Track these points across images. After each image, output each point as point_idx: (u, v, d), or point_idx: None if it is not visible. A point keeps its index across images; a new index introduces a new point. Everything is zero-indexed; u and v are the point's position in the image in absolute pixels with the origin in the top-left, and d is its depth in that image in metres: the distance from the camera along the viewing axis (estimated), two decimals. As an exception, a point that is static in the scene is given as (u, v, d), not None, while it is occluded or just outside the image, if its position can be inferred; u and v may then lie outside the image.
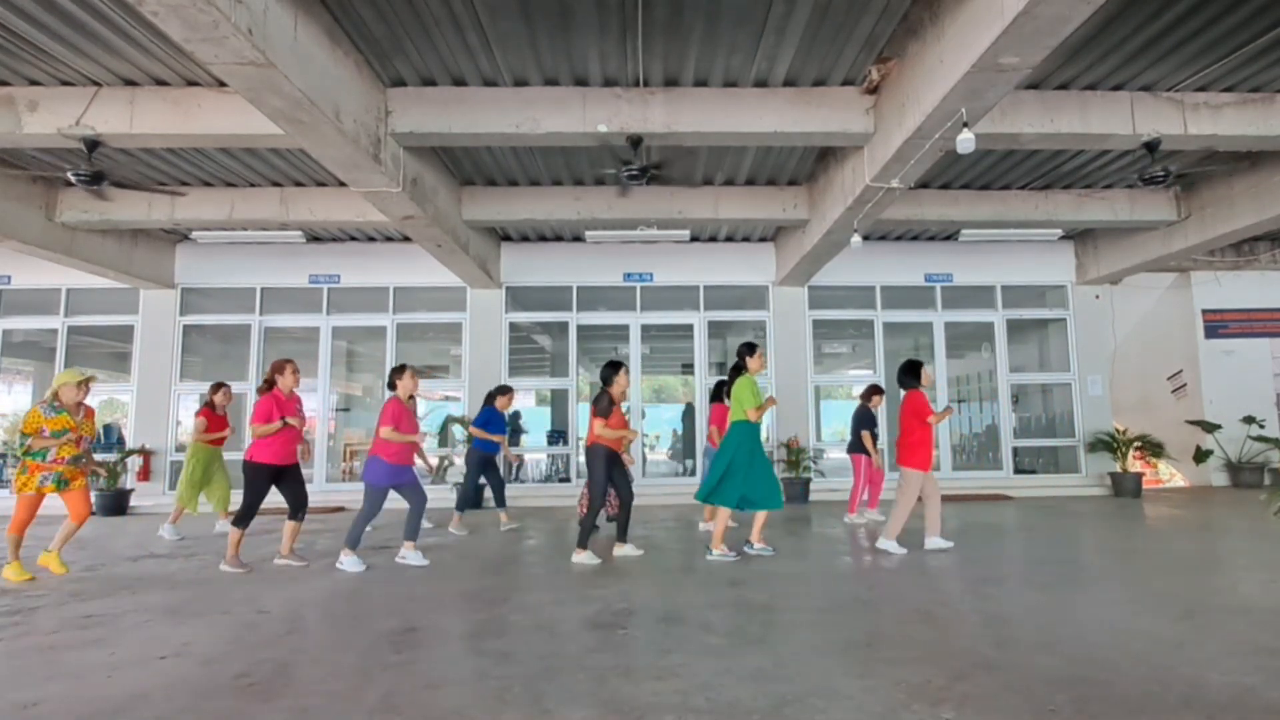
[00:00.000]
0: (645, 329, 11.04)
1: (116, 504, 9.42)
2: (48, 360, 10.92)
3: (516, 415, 11.47)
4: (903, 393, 6.14)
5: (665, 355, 14.19)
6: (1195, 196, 8.78)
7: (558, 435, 11.44)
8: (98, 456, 10.04)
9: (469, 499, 7.48)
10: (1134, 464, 10.50)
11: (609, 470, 5.79)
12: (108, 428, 11.75)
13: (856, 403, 7.90)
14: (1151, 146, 6.39)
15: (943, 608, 4.12)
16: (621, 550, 5.87)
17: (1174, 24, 5.34)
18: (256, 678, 3.11)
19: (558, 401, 12.97)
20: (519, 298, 11.04)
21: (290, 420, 5.50)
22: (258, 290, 10.67)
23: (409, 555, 5.62)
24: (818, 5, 5.09)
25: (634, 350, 10.82)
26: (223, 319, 10.84)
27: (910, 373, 6.12)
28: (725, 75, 6.04)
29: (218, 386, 7.31)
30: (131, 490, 9.74)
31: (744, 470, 5.61)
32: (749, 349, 5.87)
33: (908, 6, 5.14)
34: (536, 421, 14.16)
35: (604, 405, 5.79)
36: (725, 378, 7.69)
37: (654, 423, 15.43)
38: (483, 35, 5.42)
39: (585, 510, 6.05)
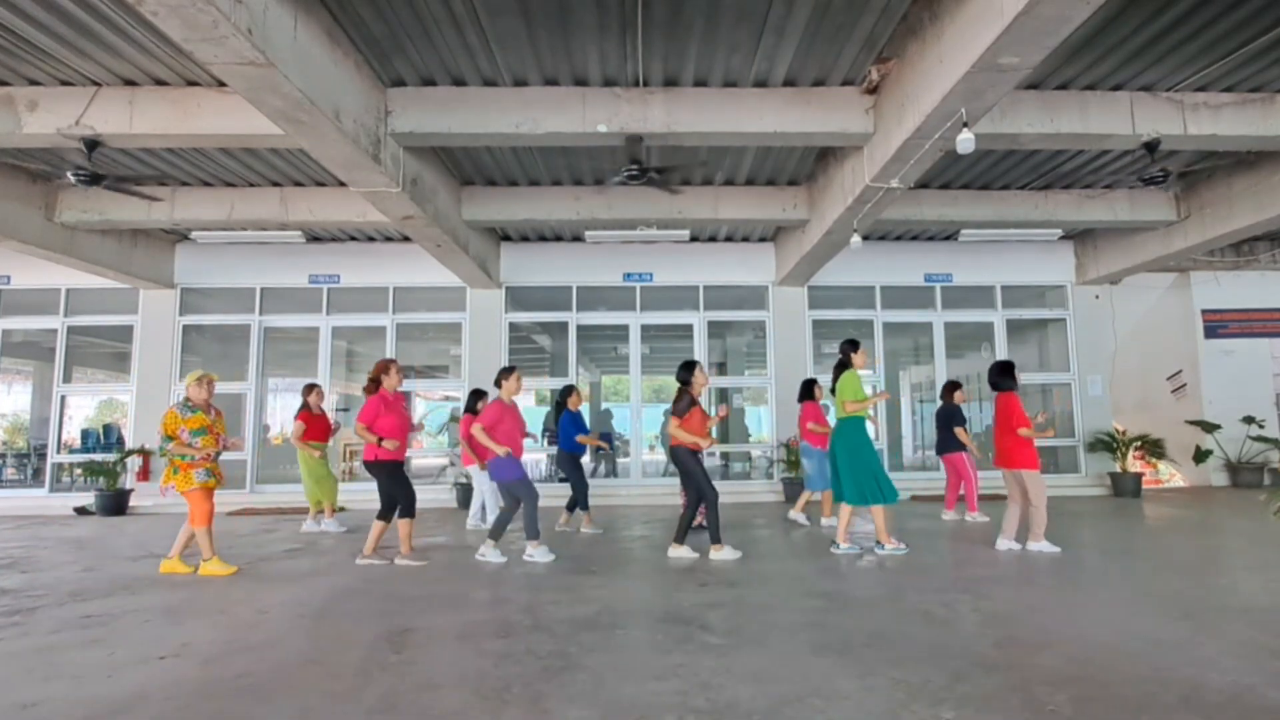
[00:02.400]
0: (645, 329, 11.04)
1: (116, 504, 9.41)
2: (48, 360, 10.92)
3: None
4: (995, 395, 6.10)
5: (665, 355, 14.18)
6: (1195, 196, 8.78)
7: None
8: (97, 457, 10.08)
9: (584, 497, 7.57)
10: (1134, 464, 10.50)
11: (699, 466, 5.74)
12: (107, 428, 11.76)
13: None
14: (1151, 146, 6.39)
15: (943, 608, 4.12)
16: (718, 553, 5.67)
17: (1174, 24, 5.34)
18: (256, 678, 3.11)
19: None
20: (519, 298, 11.04)
21: (386, 441, 5.58)
22: (257, 290, 10.67)
23: (535, 553, 5.69)
24: (818, 5, 5.09)
25: (634, 350, 10.82)
26: (222, 319, 10.83)
27: (1005, 374, 6.09)
28: (725, 75, 6.04)
29: (310, 388, 7.53)
30: (131, 490, 9.74)
31: (870, 464, 5.68)
32: (853, 346, 5.91)
33: (907, 6, 5.14)
34: (536, 422, 14.15)
35: (682, 406, 5.71)
36: (813, 376, 7.96)
37: (651, 423, 15.43)
38: (482, 35, 5.42)
39: (686, 507, 6.02)
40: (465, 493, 9.55)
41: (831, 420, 6.31)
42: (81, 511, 9.40)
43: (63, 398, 10.56)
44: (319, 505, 7.50)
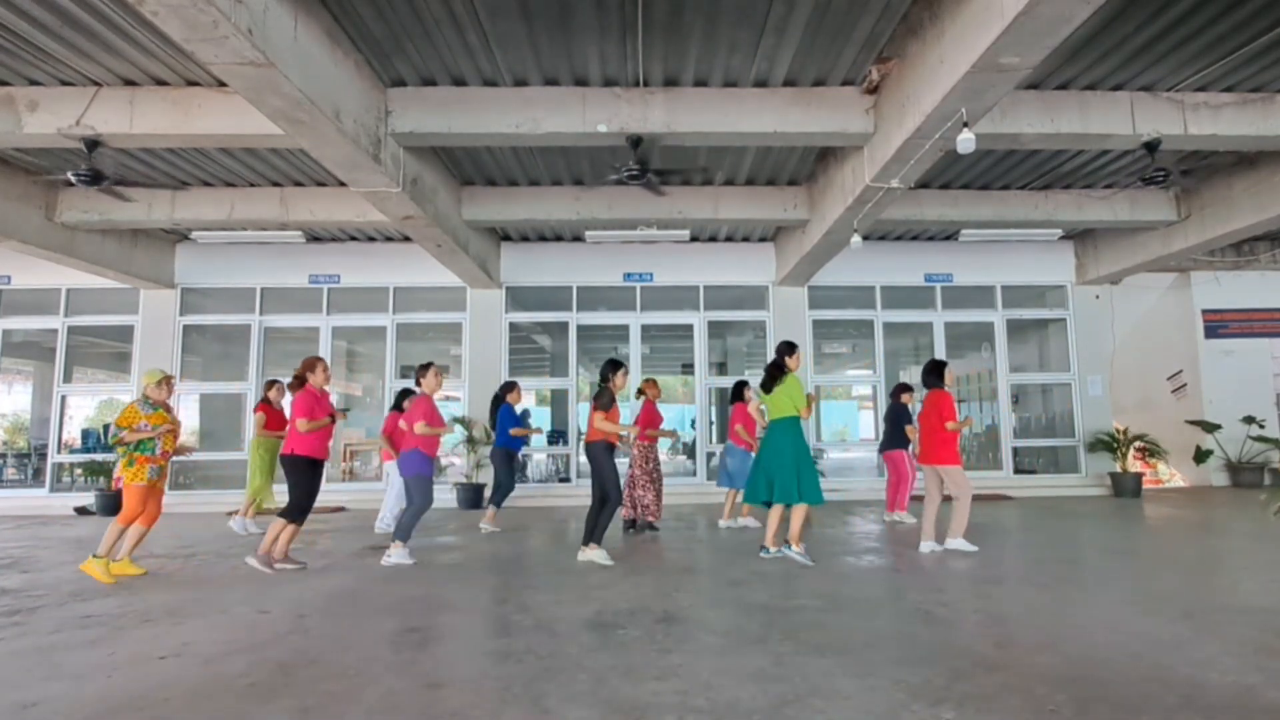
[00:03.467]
0: (645, 329, 11.04)
1: (116, 504, 9.34)
2: (48, 360, 10.92)
3: (526, 413, 11.45)
4: (926, 392, 6.11)
5: (665, 355, 14.20)
6: (1195, 196, 8.77)
7: (558, 435, 11.45)
8: (98, 457, 10.08)
9: (503, 496, 7.57)
10: (1134, 464, 10.50)
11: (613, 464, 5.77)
12: (108, 428, 11.75)
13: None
14: (1151, 146, 6.39)
15: (943, 608, 4.12)
16: (588, 554, 5.59)
17: (1174, 24, 5.34)
18: (256, 678, 3.11)
19: (558, 401, 12.97)
20: (519, 298, 11.04)
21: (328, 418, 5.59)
22: (258, 290, 10.67)
23: (394, 555, 5.61)
24: (818, 5, 5.09)
25: (634, 350, 10.82)
26: (223, 319, 10.84)
27: (935, 372, 6.10)
28: (725, 75, 6.04)
29: (272, 384, 7.51)
30: (131, 490, 9.72)
31: (808, 466, 5.60)
32: (789, 348, 5.86)
33: (908, 6, 5.14)
34: (536, 421, 14.15)
35: (605, 400, 5.77)
36: (743, 378, 7.99)
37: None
38: (483, 35, 5.42)
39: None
40: (468, 493, 9.56)
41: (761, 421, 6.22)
42: (82, 511, 9.40)
43: (63, 398, 10.57)
44: (261, 499, 7.31)
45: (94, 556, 5.14)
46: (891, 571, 5.20)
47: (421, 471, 5.72)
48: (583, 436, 7.54)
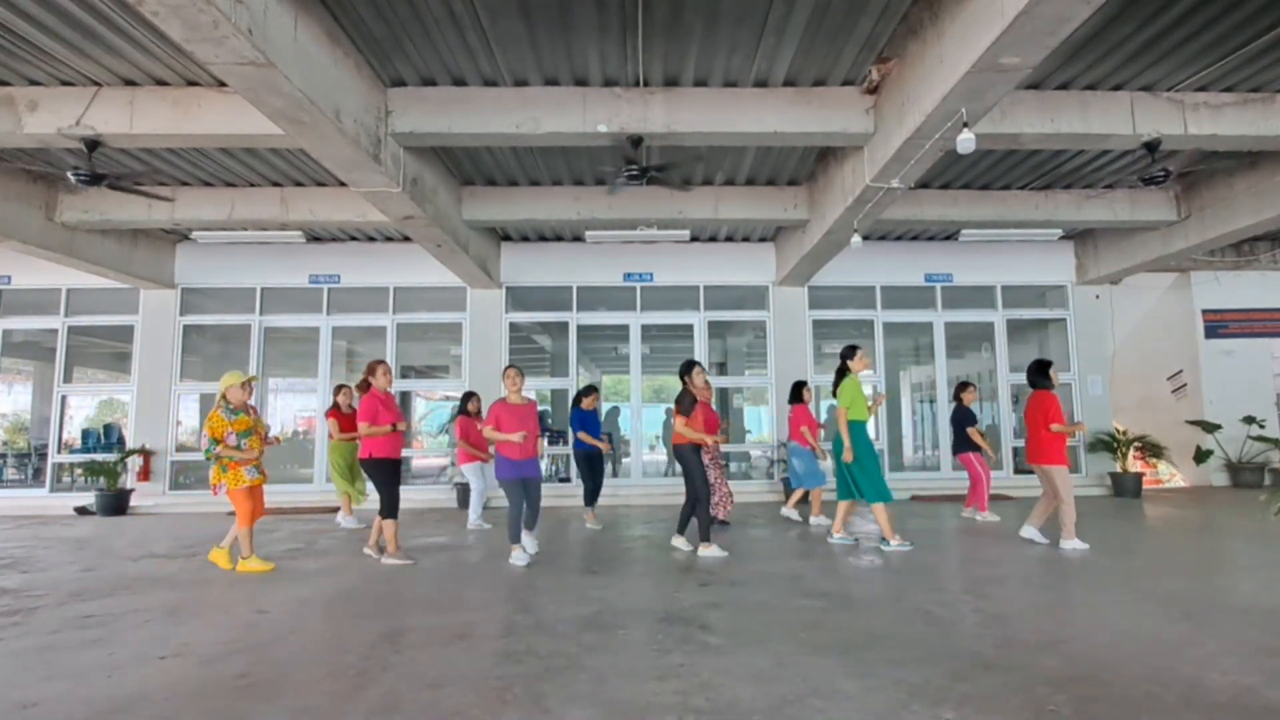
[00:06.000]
0: (645, 329, 11.03)
1: (116, 504, 9.41)
2: (48, 360, 10.92)
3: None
4: (1031, 391, 6.20)
5: (665, 355, 14.19)
6: (1195, 196, 8.77)
7: (557, 435, 11.44)
8: (98, 457, 10.08)
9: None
10: (1134, 464, 10.50)
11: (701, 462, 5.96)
12: (108, 427, 11.76)
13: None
14: (1151, 146, 6.39)
15: (943, 608, 4.12)
16: (707, 550, 5.81)
17: (1174, 24, 5.34)
18: (256, 678, 3.11)
19: (558, 401, 12.96)
20: (519, 298, 11.04)
21: (398, 425, 5.74)
22: (258, 290, 10.67)
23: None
24: (818, 5, 5.09)
25: (634, 350, 10.82)
26: (223, 319, 10.83)
27: (1041, 372, 6.18)
28: (725, 75, 6.04)
29: (340, 388, 7.90)
30: (132, 490, 9.74)
31: (876, 465, 6.08)
32: (851, 352, 6.19)
33: (908, 6, 5.14)
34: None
35: (687, 404, 5.95)
36: (804, 379, 8.34)
37: (653, 423, 15.45)
38: (483, 35, 5.42)
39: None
40: (465, 492, 9.55)
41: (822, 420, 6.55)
42: (82, 511, 9.40)
43: (63, 398, 10.57)
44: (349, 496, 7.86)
45: (242, 559, 5.45)
46: (891, 571, 5.20)
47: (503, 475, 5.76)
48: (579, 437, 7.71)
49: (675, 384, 6.11)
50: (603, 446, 7.76)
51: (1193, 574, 5.07)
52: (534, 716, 2.68)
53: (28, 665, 3.33)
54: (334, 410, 7.81)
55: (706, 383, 6.70)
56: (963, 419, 7.88)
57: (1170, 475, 11.54)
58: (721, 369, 13.10)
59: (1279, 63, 5.84)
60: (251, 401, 5.67)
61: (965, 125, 5.03)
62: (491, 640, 3.63)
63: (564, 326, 10.90)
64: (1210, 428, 10.61)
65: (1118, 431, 10.55)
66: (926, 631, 3.67)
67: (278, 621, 4.03)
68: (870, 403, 6.25)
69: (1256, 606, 4.09)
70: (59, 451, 10.45)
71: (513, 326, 10.96)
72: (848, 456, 6.02)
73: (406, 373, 13.03)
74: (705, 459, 7.07)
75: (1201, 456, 10.63)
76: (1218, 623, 3.75)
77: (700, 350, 10.85)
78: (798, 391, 7.80)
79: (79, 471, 10.26)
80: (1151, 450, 10.45)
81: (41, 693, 2.97)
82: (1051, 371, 6.16)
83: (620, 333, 11.22)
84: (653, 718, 2.65)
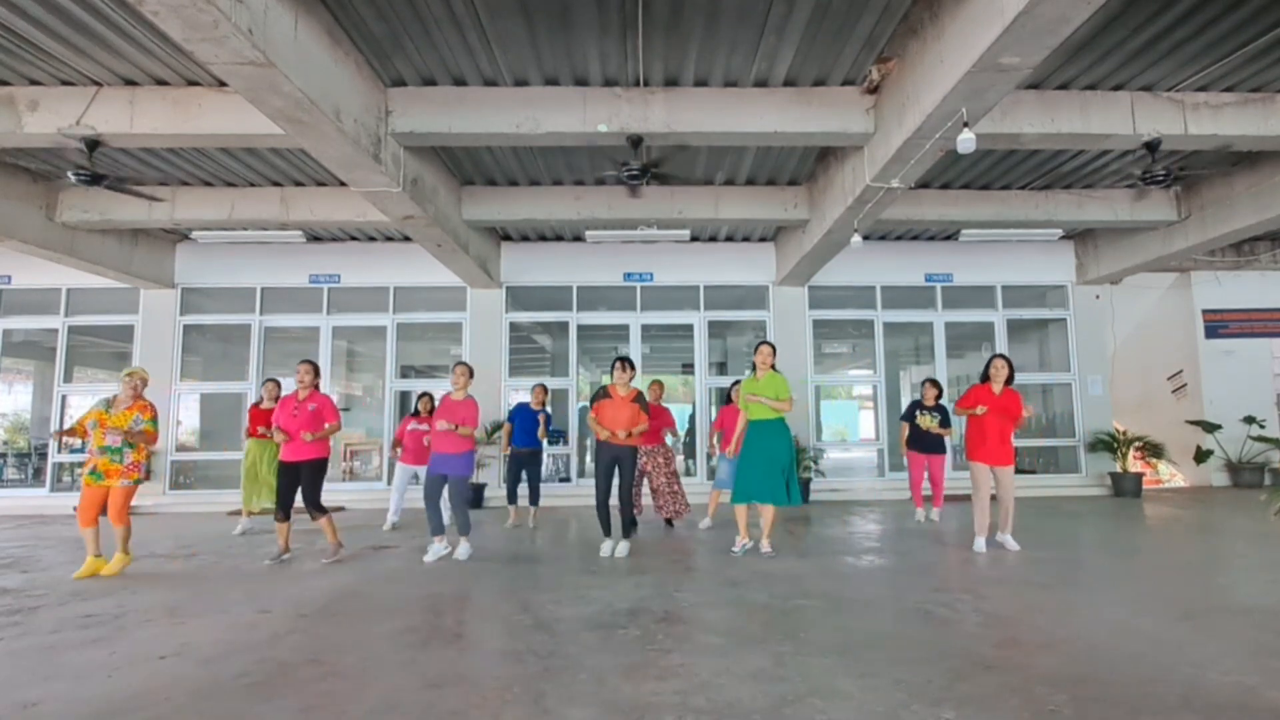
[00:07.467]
0: (645, 329, 11.03)
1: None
2: (48, 360, 10.92)
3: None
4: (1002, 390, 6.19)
5: (665, 355, 14.19)
6: (1195, 196, 8.77)
7: (557, 435, 11.43)
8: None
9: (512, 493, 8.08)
10: (1134, 464, 10.50)
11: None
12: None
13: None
14: (1152, 146, 6.39)
15: (943, 608, 4.12)
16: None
17: (1174, 24, 5.34)
18: (256, 678, 3.11)
19: (557, 401, 12.94)
20: (519, 297, 11.04)
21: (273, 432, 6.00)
22: (258, 290, 10.67)
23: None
24: (818, 5, 5.09)
25: (634, 350, 10.82)
26: (223, 319, 10.83)
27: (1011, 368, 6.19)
28: (725, 75, 6.04)
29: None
30: (132, 490, 9.72)
31: (793, 465, 5.93)
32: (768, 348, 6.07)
33: (908, 6, 5.14)
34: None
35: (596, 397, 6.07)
36: (740, 379, 7.77)
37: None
38: (483, 35, 5.42)
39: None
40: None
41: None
42: (82, 511, 9.38)
43: (63, 397, 10.58)
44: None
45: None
46: (891, 571, 5.20)
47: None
48: (590, 436, 7.74)
49: (675, 384, 6.11)
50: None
51: (1193, 574, 5.07)
52: (534, 716, 2.68)
53: (28, 665, 3.33)
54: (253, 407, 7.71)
55: (629, 382, 6.17)
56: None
57: (1170, 475, 11.55)
58: (722, 369, 13.09)
59: (1279, 63, 5.84)
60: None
61: (965, 125, 5.03)
62: (492, 640, 3.63)
63: (564, 326, 10.90)
64: (1210, 428, 10.61)
65: (1118, 431, 10.55)
66: (926, 631, 3.67)
67: (278, 621, 4.03)
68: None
69: (1256, 606, 4.09)
70: (59, 451, 10.45)
71: (513, 326, 10.96)
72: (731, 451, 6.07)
73: (406, 372, 13.01)
74: (659, 460, 7.14)
75: (1201, 456, 10.64)
76: (1218, 623, 3.75)
77: (700, 350, 10.85)
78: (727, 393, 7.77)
79: (79, 471, 10.25)
80: (1151, 450, 10.46)
81: (42, 692, 2.97)
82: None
83: (620, 332, 11.22)
84: (652, 718, 2.65)
